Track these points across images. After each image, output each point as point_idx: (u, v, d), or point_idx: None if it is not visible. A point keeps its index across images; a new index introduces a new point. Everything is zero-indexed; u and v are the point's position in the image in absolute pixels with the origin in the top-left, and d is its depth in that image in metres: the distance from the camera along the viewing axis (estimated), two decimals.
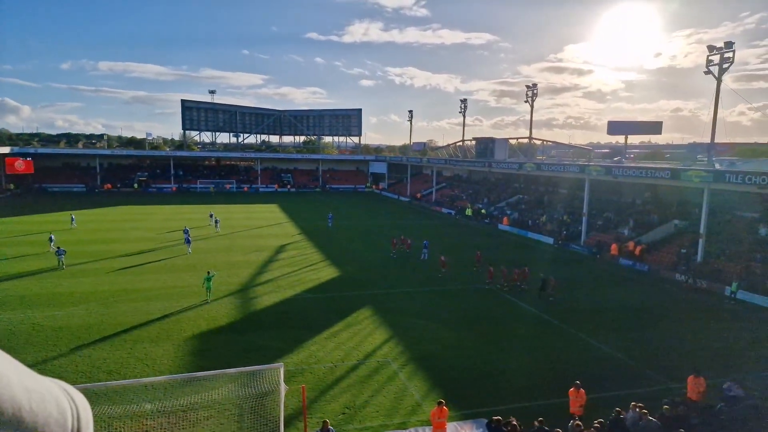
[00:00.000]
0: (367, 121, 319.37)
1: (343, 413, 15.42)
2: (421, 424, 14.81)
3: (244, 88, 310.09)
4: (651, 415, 13.02)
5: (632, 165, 47.06)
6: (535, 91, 68.55)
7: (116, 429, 13.88)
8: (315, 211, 66.60)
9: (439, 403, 13.52)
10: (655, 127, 60.07)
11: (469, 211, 63.30)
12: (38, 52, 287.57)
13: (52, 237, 37.87)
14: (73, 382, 10.99)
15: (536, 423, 12.86)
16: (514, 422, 12.73)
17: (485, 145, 72.88)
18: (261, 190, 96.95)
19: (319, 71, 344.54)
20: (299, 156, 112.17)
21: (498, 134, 75.35)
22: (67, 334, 21.08)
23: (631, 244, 40.55)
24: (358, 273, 33.34)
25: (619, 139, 69.87)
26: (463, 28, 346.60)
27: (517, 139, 78.22)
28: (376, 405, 16.00)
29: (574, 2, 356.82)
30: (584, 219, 46.56)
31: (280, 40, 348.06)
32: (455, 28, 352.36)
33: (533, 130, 71.94)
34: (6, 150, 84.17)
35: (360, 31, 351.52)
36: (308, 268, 34.28)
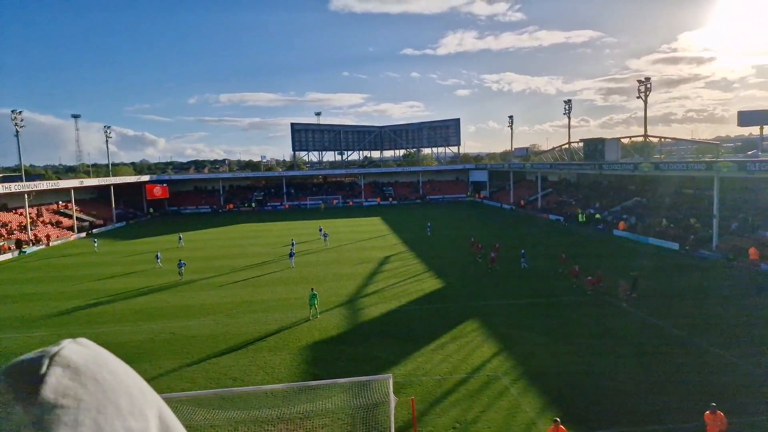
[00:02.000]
0: (465, 130, 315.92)
1: (454, 428, 15.12)
2: None
3: (345, 107, 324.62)
4: None
5: None
6: (648, 85, 62.94)
7: None
8: (416, 222, 67.00)
9: (555, 421, 12.72)
10: None
11: (581, 217, 59.50)
12: (170, 90, 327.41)
13: (159, 255, 42.39)
14: (204, 388, 12.15)
15: None
16: None
17: (594, 146, 68.32)
18: (365, 204, 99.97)
19: (416, 85, 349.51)
20: (399, 169, 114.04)
21: (607, 134, 70.16)
22: (199, 342, 23.29)
23: None
24: (462, 284, 32.82)
25: (753, 130, 61.64)
26: (561, 27, 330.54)
27: (630, 138, 72.18)
28: (487, 421, 15.48)
29: None
30: (715, 222, 41.41)
31: (377, 59, 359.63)
32: (553, 29, 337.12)
33: (648, 128, 66.05)
34: (146, 178, 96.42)
35: (454, 42, 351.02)
36: (411, 279, 34.47)
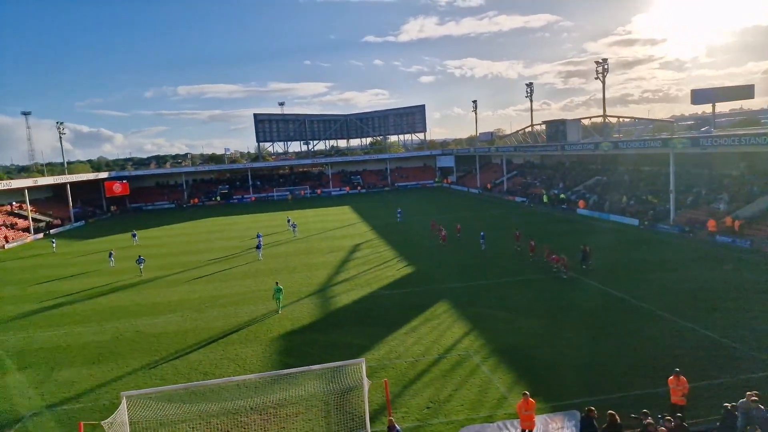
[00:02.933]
0: (431, 117, 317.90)
1: (428, 407, 15.32)
2: (509, 417, 14.36)
3: (309, 97, 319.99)
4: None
5: (723, 134, 42.91)
6: (605, 66, 64.59)
7: (214, 426, 14.76)
8: (385, 209, 67.19)
9: (524, 395, 13.02)
10: (745, 91, 54.06)
11: (545, 198, 60.89)
12: (124, 83, 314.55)
13: (112, 253, 41.65)
14: (173, 383, 11.88)
15: (642, 415, 11.80)
16: (615, 416, 11.85)
17: (556, 127, 69.70)
18: (333, 193, 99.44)
19: (379, 73, 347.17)
20: (367, 157, 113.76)
21: (568, 116, 71.39)
22: (166, 339, 22.76)
23: (728, 220, 36.99)
24: (432, 268, 33.14)
25: (706, 108, 64.14)
26: (520, 11, 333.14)
27: (590, 118, 73.93)
28: (460, 399, 15.75)
29: None
30: (672, 196, 43.07)
31: (339, 46, 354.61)
32: (512, 13, 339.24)
33: (607, 109, 67.80)
34: (104, 175, 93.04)
35: (415, 29, 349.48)
36: (383, 266, 34.58)
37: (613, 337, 19.71)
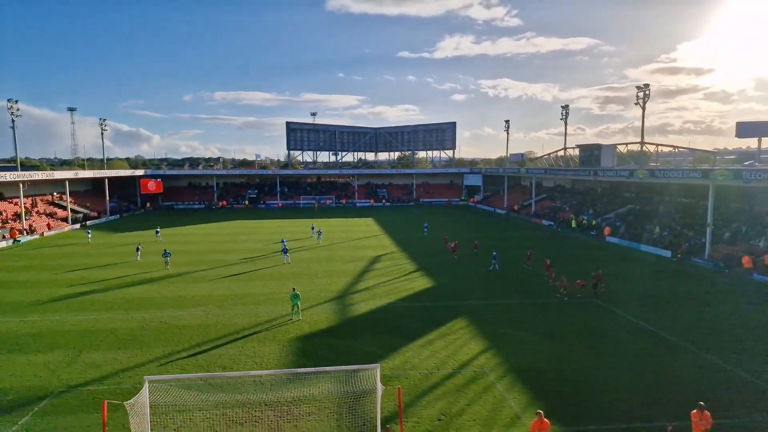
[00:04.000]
0: (461, 135, 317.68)
1: (439, 420, 15.28)
2: None
3: (340, 109, 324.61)
4: None
5: None
6: (647, 92, 63.49)
7: (229, 417, 15.07)
8: (408, 224, 67.30)
9: (538, 414, 12.90)
10: None
11: (573, 223, 60.00)
12: (165, 87, 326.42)
13: (139, 247, 43.05)
14: (193, 372, 12.25)
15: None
16: None
17: (590, 152, 68.77)
18: (358, 204, 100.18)
19: (411, 89, 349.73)
20: (393, 171, 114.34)
21: (604, 143, 70.08)
22: (189, 331, 23.36)
23: (767, 258, 35.69)
24: (452, 284, 33.03)
25: (751, 143, 62.19)
26: (559, 34, 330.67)
27: (627, 144, 72.67)
28: (472, 414, 15.66)
29: None
30: (708, 230, 41.86)
31: (373, 60, 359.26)
32: (551, 35, 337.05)
33: (645, 137, 66.49)
34: (141, 172, 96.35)
35: (451, 46, 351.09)
36: (402, 278, 34.65)
37: (634, 366, 19.27)
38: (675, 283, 33.66)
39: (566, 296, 29.27)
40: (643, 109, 64.36)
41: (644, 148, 70.30)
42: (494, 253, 38.20)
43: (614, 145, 69.08)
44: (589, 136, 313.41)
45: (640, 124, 65.58)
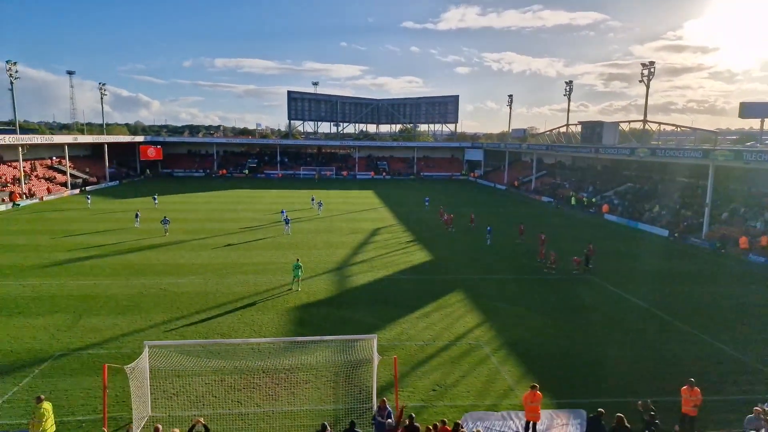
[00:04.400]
0: (463, 109, 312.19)
1: (434, 390, 15.59)
2: (514, 407, 14.53)
3: (343, 79, 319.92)
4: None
5: None
6: (652, 70, 62.51)
7: (227, 383, 15.36)
8: (409, 197, 67.22)
9: (533, 387, 13.13)
10: None
11: (573, 200, 59.98)
12: (164, 51, 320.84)
13: (138, 213, 43.15)
14: (191, 339, 12.39)
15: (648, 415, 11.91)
16: (624, 419, 11.79)
17: (592, 129, 68.27)
18: (358, 176, 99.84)
19: (415, 60, 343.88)
20: (395, 144, 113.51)
21: (606, 120, 69.36)
22: (188, 299, 23.59)
23: (764, 239, 35.86)
24: (450, 258, 33.22)
25: (754, 124, 61.61)
26: (566, 7, 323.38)
27: (629, 122, 72.04)
28: (466, 385, 15.97)
29: None
30: (706, 210, 41.91)
31: (377, 30, 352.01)
32: (558, 9, 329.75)
33: (648, 115, 65.78)
34: (140, 139, 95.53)
35: (456, 18, 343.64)
36: (400, 251, 34.82)
37: (626, 343, 19.57)
38: (671, 262, 33.90)
39: (553, 271, 29.59)
40: (648, 86, 63.50)
41: (647, 127, 69.72)
42: (488, 228, 38.50)
43: (617, 123, 68.54)
44: (592, 113, 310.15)
45: (644, 101, 64.83)
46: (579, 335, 20.21)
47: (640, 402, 12.71)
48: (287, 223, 40.81)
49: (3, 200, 53.35)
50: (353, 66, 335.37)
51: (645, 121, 68.17)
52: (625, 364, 17.66)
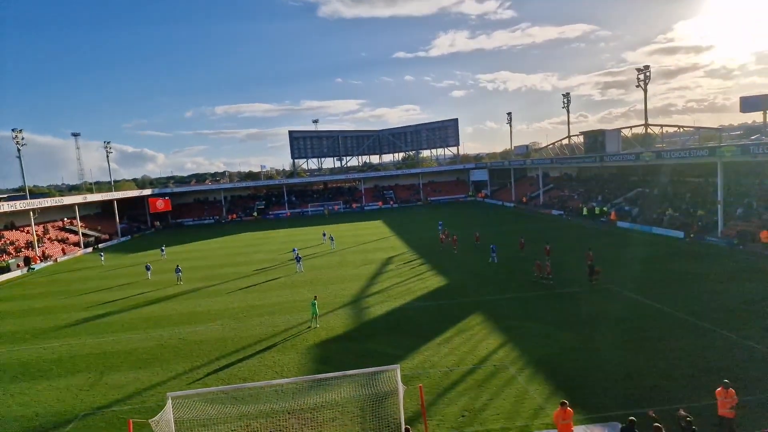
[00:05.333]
0: (464, 131, 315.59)
1: (463, 416, 15.25)
2: (546, 427, 14.14)
3: (341, 114, 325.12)
4: None
5: None
6: (647, 74, 63.17)
7: (253, 428, 15.14)
8: (418, 224, 67.22)
9: (562, 404, 12.81)
10: None
11: (585, 210, 59.50)
12: (166, 105, 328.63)
13: (149, 266, 43.72)
14: (214, 386, 12.32)
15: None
16: (661, 428, 11.41)
17: (594, 138, 68.49)
18: (366, 208, 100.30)
19: (410, 88, 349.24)
20: (399, 172, 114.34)
21: (607, 128, 69.59)
22: (207, 346, 23.51)
23: None
24: (465, 280, 32.95)
25: (756, 117, 61.48)
26: (554, 22, 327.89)
27: (631, 128, 72.20)
28: (495, 408, 15.61)
29: None
30: (719, 208, 41.44)
31: (370, 64, 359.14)
32: (546, 24, 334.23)
33: (649, 119, 65.97)
34: (148, 192, 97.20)
35: (446, 43, 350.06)
36: (416, 278, 34.63)
37: (653, 349, 19.10)
38: (690, 264, 33.33)
39: (543, 280, 30.16)
40: (645, 91, 63.99)
41: (649, 131, 69.83)
42: (492, 246, 38.56)
43: (618, 130, 68.74)
44: (592, 122, 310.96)
45: (643, 106, 65.15)
46: (605, 347, 19.78)
47: (681, 410, 12.33)
48: (299, 261, 40.95)
49: (18, 265, 54.12)
50: (350, 100, 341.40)
51: (646, 125, 68.34)
52: (657, 372, 17.18)
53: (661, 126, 70.58)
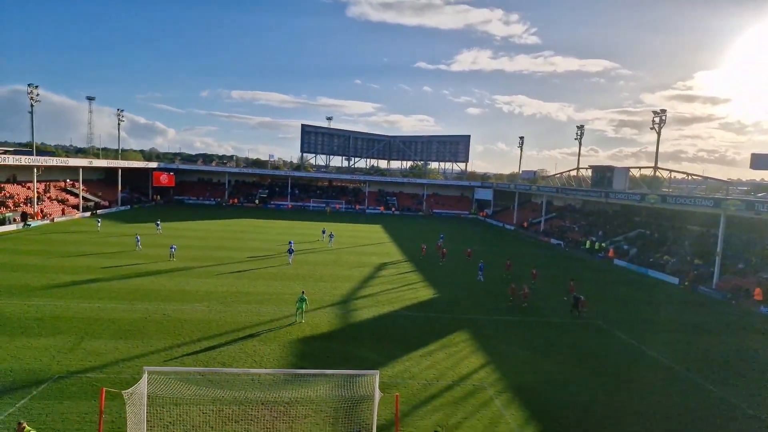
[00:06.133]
0: (474, 149, 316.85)
1: (435, 431, 15.14)
2: None
3: (356, 115, 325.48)
4: None
5: None
6: (663, 118, 63.20)
7: (225, 414, 15.05)
8: (417, 234, 67.15)
9: None
10: None
11: (588, 244, 59.19)
12: (182, 81, 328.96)
13: (138, 237, 44.21)
14: (192, 366, 12.25)
15: None
16: None
17: (603, 173, 68.42)
18: (368, 211, 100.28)
19: (427, 99, 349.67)
20: (405, 180, 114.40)
21: (617, 165, 69.44)
22: (190, 326, 23.43)
23: None
24: (456, 296, 32.87)
25: (765, 176, 61.46)
26: (577, 54, 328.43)
27: (640, 168, 72.16)
28: (469, 427, 15.51)
29: (703, 27, 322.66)
30: (717, 259, 41.38)
31: (391, 70, 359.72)
32: (568, 55, 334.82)
33: (658, 163, 65.99)
34: (154, 165, 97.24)
35: (469, 60, 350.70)
36: (406, 287, 34.55)
37: (634, 393, 19.01)
38: (682, 311, 33.26)
39: (525, 305, 30.80)
40: (659, 134, 64.02)
41: (657, 173, 69.84)
42: (480, 264, 38.96)
43: (627, 168, 68.67)
44: (602, 158, 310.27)
45: (654, 148, 65.26)
46: (587, 383, 19.69)
47: None
48: (291, 253, 40.99)
49: (15, 220, 54.08)
50: (367, 103, 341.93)
51: (656, 168, 68.33)
52: (639, 417, 17.08)
53: (670, 171, 70.45)
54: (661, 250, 51.05)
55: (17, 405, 15.10)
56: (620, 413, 17.16)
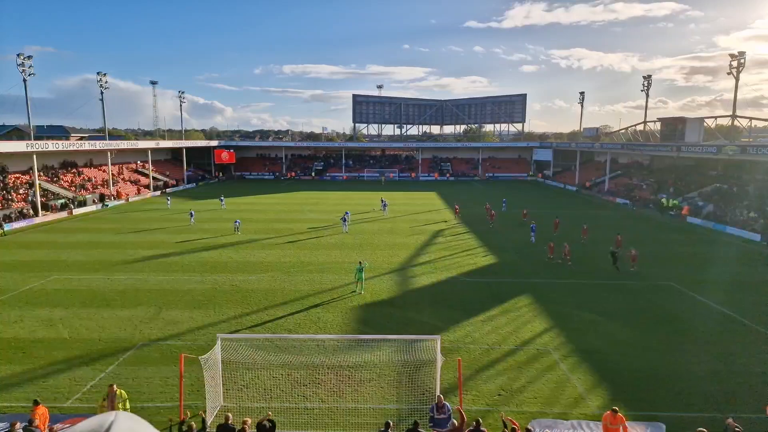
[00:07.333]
0: (531, 108, 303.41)
1: (499, 394, 15.13)
2: (585, 417, 13.78)
3: (406, 81, 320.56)
4: None
5: None
6: (741, 61, 57.45)
7: (294, 377, 15.75)
8: (472, 199, 66.01)
9: (614, 410, 12.23)
10: None
11: (666, 202, 55.25)
12: (236, 61, 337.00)
13: (192, 212, 47.15)
14: (261, 333, 12.77)
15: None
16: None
17: (674, 126, 63.85)
18: (421, 178, 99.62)
19: (479, 60, 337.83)
20: (459, 144, 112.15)
21: (689, 116, 63.83)
22: (257, 295, 24.53)
23: None
24: (516, 261, 32.22)
25: None
26: None
27: (716, 118, 66.54)
28: (534, 391, 15.36)
29: None
30: None
31: (440, 31, 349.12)
32: (631, 0, 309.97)
33: (737, 111, 60.36)
34: (215, 143, 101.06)
35: (521, 15, 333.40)
36: (464, 253, 34.23)
37: (710, 354, 18.00)
38: (764, 270, 30.85)
39: (569, 263, 30.54)
40: (737, 79, 58.40)
41: (736, 122, 64.04)
42: (532, 225, 38.27)
43: (701, 119, 63.59)
44: (672, 109, 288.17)
45: (731, 96, 59.61)
46: (657, 345, 18.85)
47: (729, 419, 11.65)
48: (345, 221, 41.84)
49: (94, 201, 58.30)
50: (417, 68, 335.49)
51: (734, 117, 62.70)
52: (710, 377, 16.22)
53: (750, 119, 64.18)
54: (741, 206, 47.26)
55: (106, 371, 16.53)
56: (694, 376, 16.31)
